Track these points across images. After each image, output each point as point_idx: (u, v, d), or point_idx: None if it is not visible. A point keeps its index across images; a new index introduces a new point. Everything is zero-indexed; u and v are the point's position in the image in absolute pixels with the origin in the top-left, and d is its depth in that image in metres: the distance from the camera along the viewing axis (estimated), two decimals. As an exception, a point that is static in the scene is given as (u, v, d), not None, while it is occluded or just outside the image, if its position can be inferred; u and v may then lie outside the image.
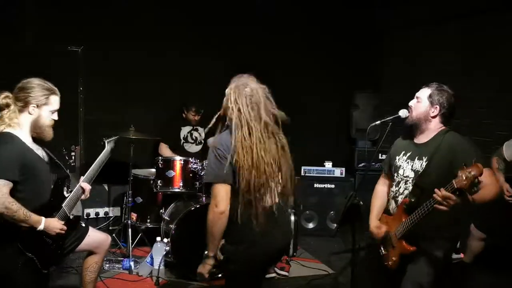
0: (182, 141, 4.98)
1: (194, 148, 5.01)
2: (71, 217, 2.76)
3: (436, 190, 2.23)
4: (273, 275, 4.04)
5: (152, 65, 5.03)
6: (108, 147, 3.13)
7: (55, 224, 2.60)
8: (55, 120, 2.72)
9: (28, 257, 2.51)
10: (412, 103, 2.62)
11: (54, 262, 2.77)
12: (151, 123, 5.00)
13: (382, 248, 2.71)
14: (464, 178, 2.12)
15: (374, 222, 2.76)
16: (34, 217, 2.51)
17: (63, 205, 2.70)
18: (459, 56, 4.86)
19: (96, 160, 2.99)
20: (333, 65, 5.79)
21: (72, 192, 2.79)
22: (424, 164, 2.52)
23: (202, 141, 5.04)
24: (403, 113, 2.65)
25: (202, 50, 5.26)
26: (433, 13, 5.12)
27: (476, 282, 3.95)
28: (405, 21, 5.56)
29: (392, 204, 2.67)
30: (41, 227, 2.53)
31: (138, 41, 4.94)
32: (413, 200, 2.48)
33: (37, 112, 2.63)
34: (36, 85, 2.64)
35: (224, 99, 2.37)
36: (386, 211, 2.75)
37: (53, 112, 2.70)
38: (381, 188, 2.90)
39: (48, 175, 2.72)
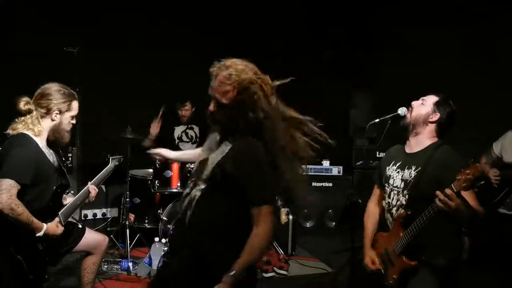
0: (177, 141, 4.97)
1: (190, 147, 4.98)
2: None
3: (437, 192, 2.20)
4: (272, 274, 4.04)
5: (148, 66, 5.02)
6: (111, 164, 3.19)
7: (54, 230, 2.61)
8: (73, 124, 2.78)
9: (18, 259, 2.51)
10: (415, 103, 2.58)
11: (43, 267, 2.75)
12: (148, 123, 4.97)
13: (381, 268, 2.68)
14: (463, 180, 2.12)
15: (368, 253, 2.68)
16: (36, 222, 2.51)
17: (59, 213, 2.71)
18: (457, 53, 4.86)
19: (99, 174, 3.04)
20: (330, 63, 5.78)
21: (70, 203, 2.81)
22: (413, 173, 2.49)
23: (198, 140, 5.03)
24: (402, 111, 2.63)
25: (199, 51, 5.24)
26: (431, 12, 5.12)
27: (473, 279, 3.95)
28: (403, 19, 5.57)
29: (389, 218, 2.62)
30: (40, 233, 2.53)
31: (134, 42, 4.93)
32: (409, 212, 2.46)
33: (59, 118, 2.68)
34: (57, 91, 2.68)
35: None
36: (384, 226, 2.71)
37: (72, 118, 2.75)
38: (372, 207, 2.84)
39: (54, 181, 2.74)
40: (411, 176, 2.51)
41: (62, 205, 2.77)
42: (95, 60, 4.63)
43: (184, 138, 5.00)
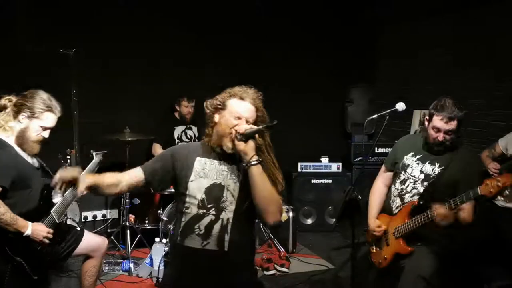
0: (177, 141, 4.98)
1: None
2: (60, 221, 2.75)
3: (436, 206, 2.29)
4: (273, 271, 4.04)
5: (145, 66, 5.01)
6: (96, 159, 3.19)
7: (41, 229, 2.58)
8: (44, 138, 2.67)
9: (17, 261, 2.50)
10: (443, 138, 2.52)
11: (45, 268, 2.74)
12: (146, 123, 4.97)
13: (374, 245, 2.70)
14: (491, 186, 2.16)
15: (373, 221, 2.75)
16: (20, 221, 2.49)
17: (51, 211, 2.70)
18: (453, 48, 4.85)
19: (85, 169, 3.00)
20: (327, 59, 5.77)
21: (62, 199, 2.78)
22: (437, 170, 2.54)
23: (197, 140, 5.04)
24: (400, 106, 2.65)
25: (196, 50, 5.23)
26: (426, 7, 5.11)
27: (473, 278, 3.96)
28: (399, 14, 5.56)
29: (397, 201, 2.66)
30: (28, 232, 2.51)
31: (130, 43, 4.91)
32: (421, 202, 2.50)
33: (26, 122, 2.61)
34: (38, 98, 2.62)
35: None
36: (388, 208, 2.73)
37: (44, 129, 2.66)
38: (380, 185, 2.89)
39: (38, 181, 2.70)
40: (434, 172, 2.55)
41: (53, 204, 2.74)
42: (91, 62, 4.62)
43: (184, 138, 5.02)
